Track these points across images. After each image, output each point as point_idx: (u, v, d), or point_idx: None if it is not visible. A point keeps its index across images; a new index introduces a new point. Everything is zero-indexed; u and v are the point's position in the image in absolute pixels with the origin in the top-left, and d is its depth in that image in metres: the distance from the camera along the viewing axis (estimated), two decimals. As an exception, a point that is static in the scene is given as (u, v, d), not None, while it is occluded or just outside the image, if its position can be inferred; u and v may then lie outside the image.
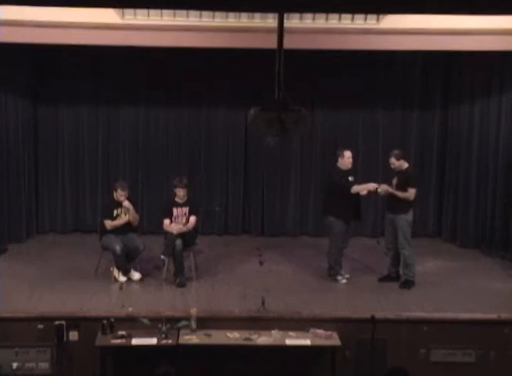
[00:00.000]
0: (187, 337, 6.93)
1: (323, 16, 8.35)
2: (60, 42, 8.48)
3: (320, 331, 7.04)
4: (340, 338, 6.98)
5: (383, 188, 8.40)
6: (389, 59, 10.02)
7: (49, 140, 10.85)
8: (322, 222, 9.07)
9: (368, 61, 9.96)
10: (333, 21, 8.45)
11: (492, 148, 9.85)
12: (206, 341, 6.91)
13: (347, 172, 8.55)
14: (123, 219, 8.52)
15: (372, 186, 8.41)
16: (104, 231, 8.51)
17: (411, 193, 8.27)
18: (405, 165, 8.40)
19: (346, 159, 8.55)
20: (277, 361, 7.08)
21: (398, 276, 8.36)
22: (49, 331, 7.07)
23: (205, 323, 7.11)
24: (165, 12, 8.21)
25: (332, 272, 8.56)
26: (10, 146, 9.83)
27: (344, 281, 8.53)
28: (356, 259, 9.39)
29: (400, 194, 8.23)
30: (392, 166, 8.40)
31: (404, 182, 8.28)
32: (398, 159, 8.35)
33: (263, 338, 6.94)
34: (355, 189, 8.36)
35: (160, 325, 6.90)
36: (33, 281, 8.25)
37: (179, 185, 8.53)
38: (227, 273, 8.84)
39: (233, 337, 6.97)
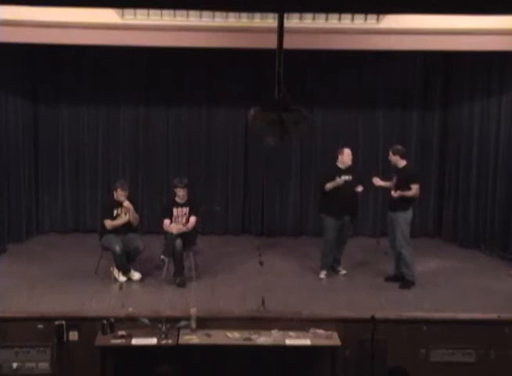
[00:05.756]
0: (187, 337, 6.92)
1: (323, 16, 8.35)
2: (60, 42, 8.49)
3: (320, 331, 7.03)
4: (340, 338, 6.97)
5: (375, 181, 8.52)
6: (389, 59, 10.02)
7: (49, 140, 10.87)
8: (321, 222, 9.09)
9: (368, 61, 9.97)
10: (333, 21, 8.46)
11: (492, 148, 9.85)
12: (206, 341, 6.90)
13: (345, 171, 8.57)
14: (123, 219, 8.52)
15: (339, 181, 8.42)
16: (104, 231, 8.50)
17: (414, 189, 8.26)
18: (403, 163, 8.38)
19: (346, 156, 8.58)
20: (277, 361, 7.07)
21: (403, 276, 8.36)
22: (49, 331, 7.06)
23: (205, 323, 7.10)
24: (165, 12, 8.21)
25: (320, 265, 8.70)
26: (10, 146, 9.84)
27: (322, 276, 8.63)
28: (356, 259, 9.40)
29: (406, 194, 8.21)
30: (389, 158, 8.45)
31: (405, 179, 8.27)
32: (393, 154, 8.37)
33: (263, 338, 6.94)
34: (328, 186, 8.45)
35: (160, 325, 6.89)
36: (33, 281, 8.25)
37: (179, 185, 8.53)
38: (227, 273, 8.84)
39: (233, 337, 6.96)
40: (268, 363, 7.04)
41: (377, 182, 8.59)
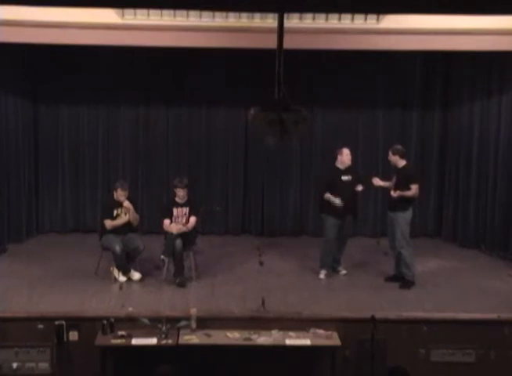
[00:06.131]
0: (187, 337, 6.92)
1: (323, 16, 8.35)
2: (60, 42, 8.48)
3: (320, 331, 7.04)
4: (340, 338, 6.97)
5: (374, 181, 8.52)
6: (389, 59, 10.01)
7: (49, 140, 10.87)
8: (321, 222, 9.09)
9: (368, 61, 9.96)
10: (333, 21, 8.46)
11: (492, 148, 9.85)
12: (206, 341, 6.91)
13: (345, 171, 8.57)
14: (123, 219, 8.52)
15: (338, 203, 8.41)
16: (104, 231, 8.50)
17: (414, 189, 8.26)
18: (402, 163, 8.38)
19: (345, 156, 8.59)
20: (277, 361, 7.07)
21: (403, 276, 8.36)
22: (49, 331, 7.06)
23: (205, 323, 7.10)
24: (165, 12, 8.21)
25: (319, 265, 8.70)
26: (10, 146, 9.84)
27: (322, 276, 8.63)
28: (356, 259, 9.40)
29: (405, 193, 8.20)
30: (389, 158, 8.44)
31: (404, 179, 8.26)
32: (393, 154, 8.37)
33: (263, 338, 6.94)
34: (326, 196, 8.45)
35: (160, 325, 6.89)
36: (33, 281, 8.25)
37: (179, 185, 8.53)
38: (227, 273, 8.84)
39: (233, 337, 6.96)
40: (268, 363, 7.04)
41: (377, 182, 8.59)
